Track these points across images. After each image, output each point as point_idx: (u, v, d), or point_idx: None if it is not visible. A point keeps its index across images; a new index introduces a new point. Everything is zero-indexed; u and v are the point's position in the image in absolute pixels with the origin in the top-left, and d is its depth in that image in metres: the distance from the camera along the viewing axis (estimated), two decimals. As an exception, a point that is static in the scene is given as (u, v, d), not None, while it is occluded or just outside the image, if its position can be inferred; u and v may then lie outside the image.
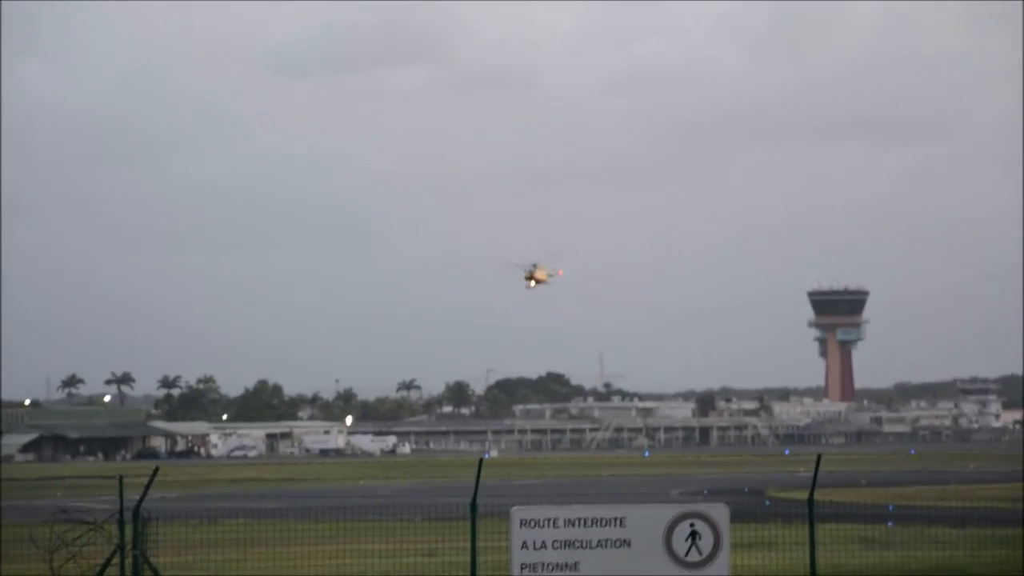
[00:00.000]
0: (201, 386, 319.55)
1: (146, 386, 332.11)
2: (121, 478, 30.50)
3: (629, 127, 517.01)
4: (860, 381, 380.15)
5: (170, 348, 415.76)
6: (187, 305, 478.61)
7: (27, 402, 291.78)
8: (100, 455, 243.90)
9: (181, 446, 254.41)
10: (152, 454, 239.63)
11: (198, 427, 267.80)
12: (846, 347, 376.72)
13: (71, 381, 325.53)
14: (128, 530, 29.10)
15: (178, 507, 64.95)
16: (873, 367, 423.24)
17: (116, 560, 28.93)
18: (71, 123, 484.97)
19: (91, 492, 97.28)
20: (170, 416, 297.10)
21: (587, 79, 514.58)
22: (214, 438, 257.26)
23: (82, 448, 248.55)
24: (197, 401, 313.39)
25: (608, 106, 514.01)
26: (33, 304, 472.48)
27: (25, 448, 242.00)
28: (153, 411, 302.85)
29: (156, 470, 29.84)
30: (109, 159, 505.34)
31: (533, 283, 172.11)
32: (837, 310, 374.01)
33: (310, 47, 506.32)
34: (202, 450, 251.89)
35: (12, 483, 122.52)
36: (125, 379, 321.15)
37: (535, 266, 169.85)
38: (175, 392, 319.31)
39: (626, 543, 27.85)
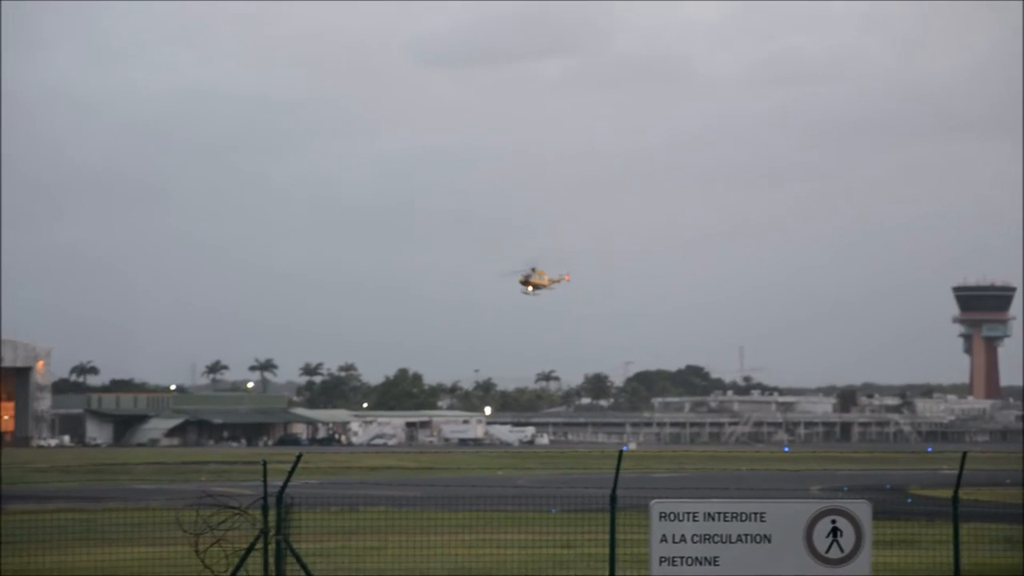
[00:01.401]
0: (342, 374, 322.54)
1: (289, 373, 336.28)
2: (265, 463, 30.88)
3: (776, 120, 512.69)
4: (1006, 379, 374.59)
5: (313, 336, 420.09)
6: (330, 294, 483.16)
7: (173, 388, 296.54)
8: (243, 441, 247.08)
9: (322, 433, 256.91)
10: (294, 441, 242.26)
11: (339, 415, 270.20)
12: (992, 344, 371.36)
13: (215, 367, 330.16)
14: (272, 515, 29.45)
15: (319, 493, 65.61)
16: (1019, 364, 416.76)
17: (260, 545, 29.30)
18: (225, 110, 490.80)
19: (234, 477, 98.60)
20: (311, 403, 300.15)
21: (733, 72, 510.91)
22: (354, 426, 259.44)
23: (225, 433, 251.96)
24: (338, 389, 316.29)
25: (754, 99, 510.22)
26: (180, 291, 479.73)
27: (170, 433, 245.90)
28: (295, 398, 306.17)
29: (299, 456, 30.17)
30: (254, 148, 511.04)
31: (531, 288, 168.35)
32: (983, 306, 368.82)
33: (455, 38, 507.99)
34: (343, 438, 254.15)
35: (158, 466, 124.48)
36: (268, 366, 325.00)
37: (533, 270, 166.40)
38: (317, 379, 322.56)
39: (766, 538, 27.69)
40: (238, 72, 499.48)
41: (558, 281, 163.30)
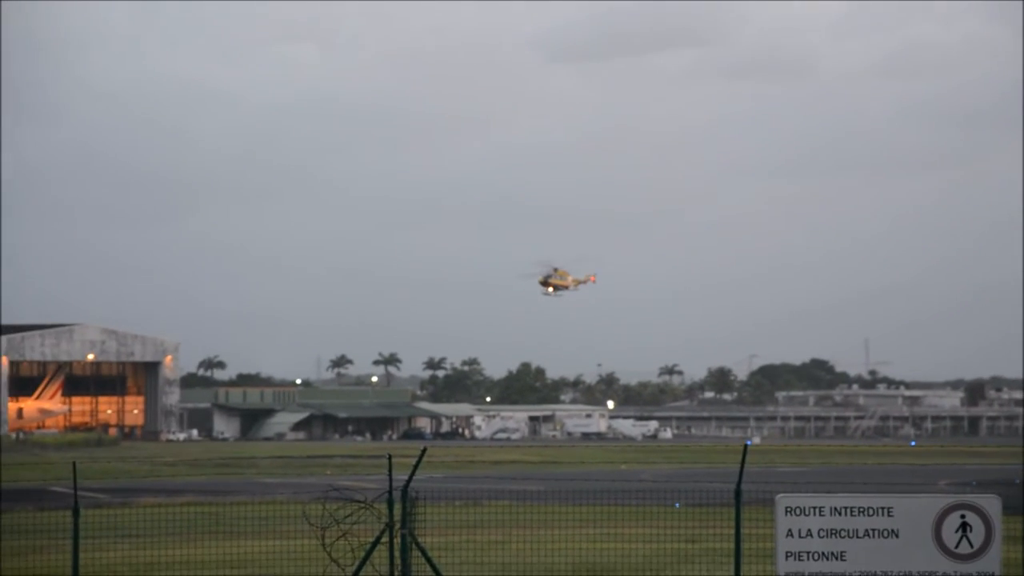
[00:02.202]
0: (466, 368, 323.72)
1: (412, 367, 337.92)
2: (391, 457, 31.07)
3: (903, 112, 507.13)
4: None
5: (436, 330, 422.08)
6: (453, 288, 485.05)
7: (298, 382, 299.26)
8: (367, 435, 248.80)
9: (446, 427, 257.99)
10: (418, 435, 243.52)
11: (462, 409, 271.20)
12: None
13: (340, 361, 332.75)
14: (397, 509, 29.60)
15: (444, 488, 65.89)
16: None
17: (385, 538, 29.46)
18: (340, 108, 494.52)
19: (359, 471, 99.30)
20: (435, 397, 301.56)
21: (860, 63, 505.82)
22: (478, 420, 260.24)
23: (350, 427, 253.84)
24: (461, 383, 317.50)
25: (881, 91, 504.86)
26: (304, 285, 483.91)
27: (296, 427, 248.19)
28: (419, 392, 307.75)
29: (424, 450, 30.29)
30: (376, 143, 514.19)
31: (551, 290, 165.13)
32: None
33: (578, 32, 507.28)
34: (466, 431, 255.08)
35: (284, 460, 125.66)
36: (392, 360, 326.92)
37: (555, 271, 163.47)
38: (440, 374, 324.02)
39: (894, 533, 27.40)
40: (361, 67, 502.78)
41: (583, 282, 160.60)
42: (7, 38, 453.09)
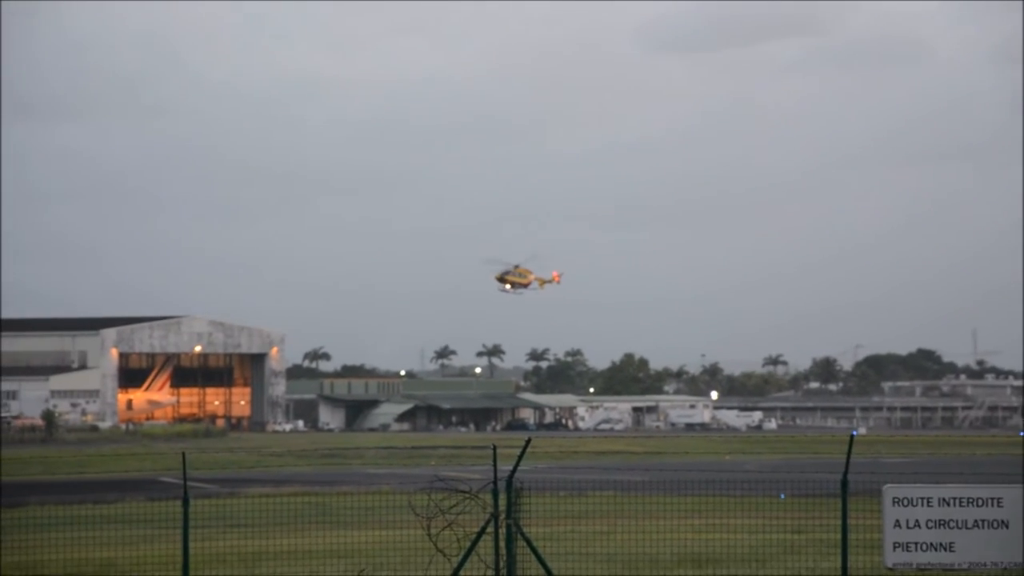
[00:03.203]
0: (569, 359, 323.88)
1: (515, 358, 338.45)
2: (495, 448, 31.16)
3: (1016, 97, 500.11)
4: None
5: (539, 321, 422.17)
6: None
7: (402, 373, 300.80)
8: (471, 425, 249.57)
9: (549, 418, 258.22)
10: (521, 425, 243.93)
11: (566, 399, 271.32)
12: None
13: (444, 353, 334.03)
14: (502, 499, 29.70)
15: (548, 478, 65.99)
16: None
17: (490, 528, 29.56)
18: (455, 98, 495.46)
19: (464, 461, 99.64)
20: (538, 388, 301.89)
21: (973, 49, 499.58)
22: (581, 411, 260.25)
23: (454, 418, 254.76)
24: (565, 374, 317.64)
25: (996, 77, 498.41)
26: (410, 278, 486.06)
27: (401, 418, 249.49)
28: (522, 383, 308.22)
29: (528, 441, 30.37)
30: (486, 136, 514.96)
31: (509, 287, 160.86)
32: None
33: (686, 21, 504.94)
34: (569, 422, 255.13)
35: (389, 451, 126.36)
36: (495, 351, 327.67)
37: (515, 268, 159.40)
38: (543, 365, 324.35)
39: (1003, 524, 27.15)
40: (468, 60, 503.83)
41: (548, 281, 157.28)
42: (122, 37, 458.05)
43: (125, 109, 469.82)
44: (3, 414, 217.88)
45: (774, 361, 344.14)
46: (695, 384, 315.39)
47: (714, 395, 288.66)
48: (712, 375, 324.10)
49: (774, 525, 43.13)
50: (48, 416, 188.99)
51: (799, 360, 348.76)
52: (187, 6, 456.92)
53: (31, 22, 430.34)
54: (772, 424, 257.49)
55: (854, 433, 32.92)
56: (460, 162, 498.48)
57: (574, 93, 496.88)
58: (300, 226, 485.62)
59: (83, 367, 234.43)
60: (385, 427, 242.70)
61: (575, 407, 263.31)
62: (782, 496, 53.56)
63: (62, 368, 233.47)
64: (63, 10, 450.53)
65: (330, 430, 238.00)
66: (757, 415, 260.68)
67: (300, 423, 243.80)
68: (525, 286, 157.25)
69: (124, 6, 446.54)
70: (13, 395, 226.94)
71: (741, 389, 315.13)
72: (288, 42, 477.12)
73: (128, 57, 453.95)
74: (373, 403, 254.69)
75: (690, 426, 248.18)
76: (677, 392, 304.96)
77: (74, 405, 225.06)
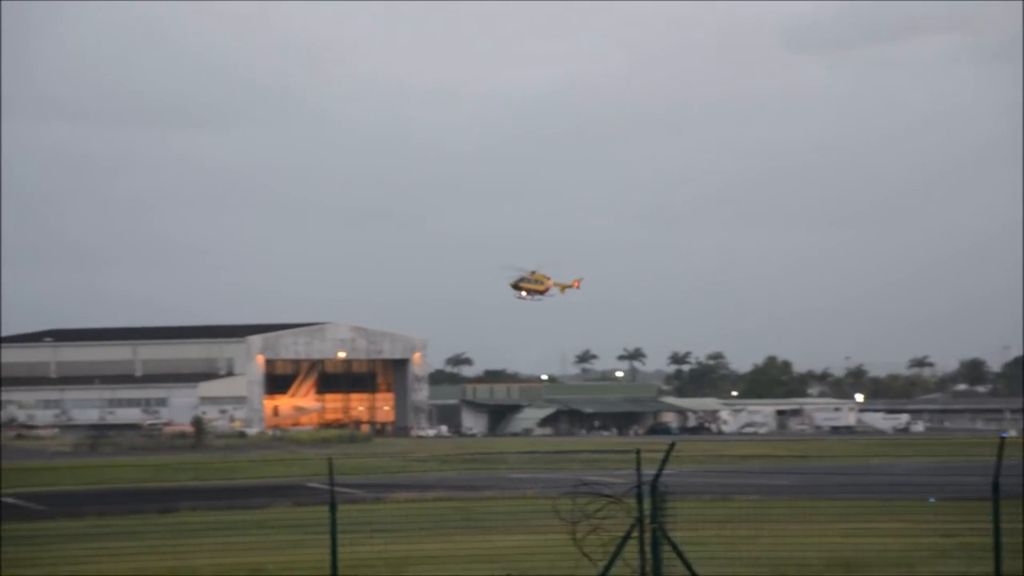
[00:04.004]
0: (711, 362, 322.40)
1: (657, 362, 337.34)
2: (639, 452, 31.10)
3: None
4: None
5: (680, 324, 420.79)
6: (698, 283, 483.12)
7: (544, 377, 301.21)
8: (613, 429, 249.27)
9: (692, 422, 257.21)
10: (664, 429, 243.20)
11: (708, 403, 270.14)
12: None
13: (585, 357, 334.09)
14: (647, 503, 29.63)
15: (692, 482, 65.72)
16: None
17: (635, 533, 29.50)
18: (587, 103, 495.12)
19: (606, 466, 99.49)
20: (680, 392, 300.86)
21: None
22: (724, 414, 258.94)
23: (596, 422, 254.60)
24: (707, 377, 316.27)
25: None
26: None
27: (543, 422, 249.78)
28: (664, 387, 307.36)
29: (672, 445, 30.28)
30: (622, 138, 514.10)
31: (524, 294, 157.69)
32: None
33: (830, 20, 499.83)
34: (712, 426, 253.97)
35: (532, 455, 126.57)
36: (637, 355, 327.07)
37: (532, 273, 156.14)
38: (685, 368, 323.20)
39: None
40: (605, 60, 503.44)
41: (569, 287, 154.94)
42: (260, 43, 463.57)
43: (260, 115, 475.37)
44: (154, 421, 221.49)
45: (920, 363, 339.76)
46: (839, 386, 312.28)
47: (859, 397, 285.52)
48: (857, 377, 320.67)
49: (923, 529, 42.61)
50: (197, 422, 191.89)
51: (945, 361, 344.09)
52: (330, 8, 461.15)
53: (167, 30, 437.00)
54: (919, 427, 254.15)
55: (1003, 435, 32.40)
56: (594, 166, 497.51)
57: (712, 93, 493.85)
58: (439, 232, 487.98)
59: (230, 374, 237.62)
60: (528, 431, 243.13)
61: (718, 410, 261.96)
62: (931, 499, 52.86)
63: (210, 375, 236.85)
64: (204, 15, 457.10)
65: (473, 435, 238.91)
66: (904, 417, 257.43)
67: (443, 428, 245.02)
68: (542, 293, 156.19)
69: (262, 8, 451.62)
70: (163, 402, 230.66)
71: (887, 391, 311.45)
72: (423, 49, 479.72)
73: (264, 63, 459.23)
74: (515, 408, 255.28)
75: (835, 429, 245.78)
76: (821, 395, 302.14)
77: (222, 411, 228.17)
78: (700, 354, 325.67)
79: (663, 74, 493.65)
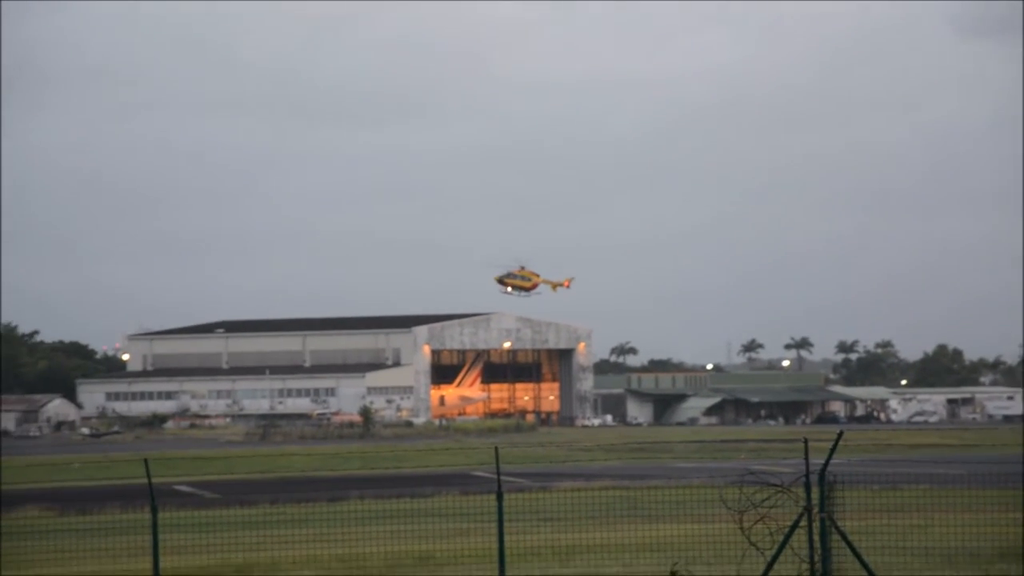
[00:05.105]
0: (879, 351, 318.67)
1: (824, 351, 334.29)
2: (807, 441, 30.91)
3: None
4: None
5: (848, 313, 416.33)
6: (865, 269, 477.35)
7: (709, 367, 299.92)
8: (780, 419, 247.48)
9: (860, 411, 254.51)
10: (831, 418, 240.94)
11: (877, 392, 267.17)
12: None
13: (751, 346, 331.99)
14: (815, 493, 29.44)
15: (860, 471, 65.07)
16: None
17: (803, 522, 29.34)
18: (752, 92, 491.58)
19: (773, 455, 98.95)
20: (848, 381, 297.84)
21: None
22: (893, 403, 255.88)
23: (762, 412, 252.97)
24: (875, 366, 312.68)
25: None
26: (715, 272, 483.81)
27: (708, 411, 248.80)
28: (831, 376, 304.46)
29: (840, 434, 30.04)
30: (788, 124, 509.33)
31: (510, 290, 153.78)
32: None
33: (994, 5, 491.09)
34: (881, 415, 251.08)
35: (698, 445, 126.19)
36: (803, 344, 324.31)
37: (521, 269, 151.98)
38: (853, 357, 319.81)
39: None
40: (769, 49, 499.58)
41: (560, 284, 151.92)
42: (432, 39, 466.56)
43: (431, 110, 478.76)
44: (323, 410, 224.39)
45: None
46: (1012, 375, 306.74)
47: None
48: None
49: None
50: (365, 412, 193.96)
51: None
52: (495, 7, 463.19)
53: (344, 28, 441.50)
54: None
55: None
56: (763, 151, 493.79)
57: (883, 80, 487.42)
58: (601, 222, 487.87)
59: (397, 364, 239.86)
60: (693, 421, 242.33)
61: (886, 399, 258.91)
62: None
63: (377, 365, 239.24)
64: (377, 13, 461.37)
65: (638, 424, 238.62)
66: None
67: (608, 418, 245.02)
68: (528, 290, 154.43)
69: (432, 8, 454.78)
70: (331, 392, 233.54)
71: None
72: (592, 41, 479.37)
73: (437, 60, 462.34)
74: (680, 397, 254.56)
75: (1008, 418, 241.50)
76: (994, 383, 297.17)
77: (389, 401, 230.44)
78: (868, 342, 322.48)
79: (830, 59, 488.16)
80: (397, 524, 42.68)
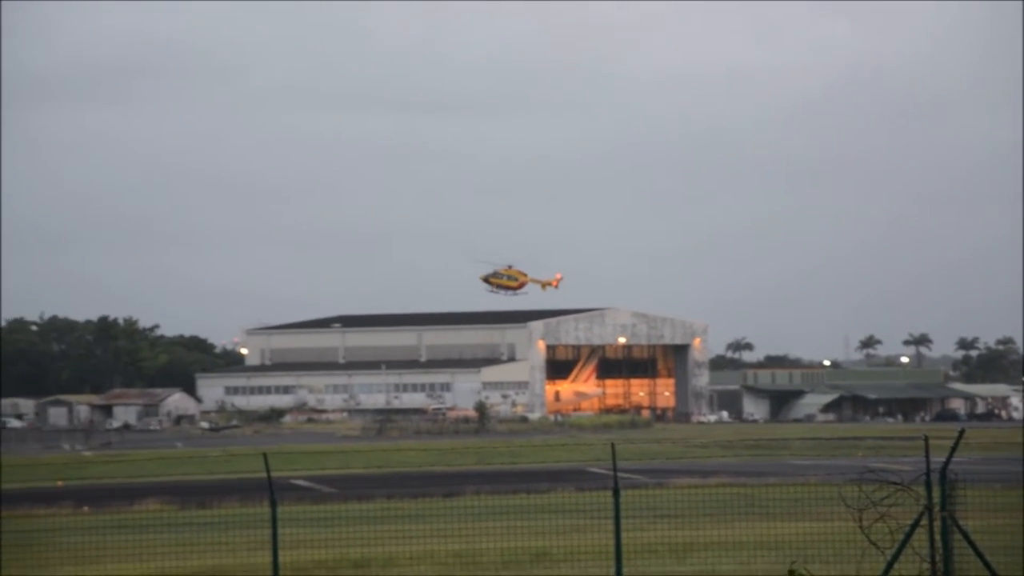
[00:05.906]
0: (1001, 347, 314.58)
1: (944, 347, 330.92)
2: (927, 439, 30.54)
3: None
4: None
5: (969, 309, 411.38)
6: (987, 266, 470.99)
7: (826, 363, 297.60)
8: (898, 416, 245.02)
9: (980, 408, 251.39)
10: (951, 416, 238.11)
11: (998, 389, 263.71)
12: None
13: (869, 342, 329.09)
14: (936, 491, 29.08)
15: (984, 470, 64.25)
16: None
17: (924, 521, 28.99)
18: (875, 85, 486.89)
19: (892, 453, 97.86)
20: (968, 378, 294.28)
21: None
22: (1015, 400, 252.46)
23: (880, 409, 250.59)
24: (997, 363, 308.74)
25: None
26: (832, 267, 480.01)
27: (825, 408, 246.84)
28: (951, 372, 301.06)
29: (962, 432, 29.64)
30: (913, 117, 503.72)
31: (495, 289, 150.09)
32: None
33: None
34: (1003, 412, 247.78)
35: (815, 442, 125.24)
36: (923, 340, 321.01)
37: (508, 268, 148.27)
38: (973, 353, 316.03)
39: None
40: (892, 40, 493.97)
41: (548, 283, 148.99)
42: (546, 34, 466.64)
43: (547, 104, 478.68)
44: (438, 405, 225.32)
45: None
46: None
47: None
48: None
49: None
50: (480, 407, 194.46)
51: None
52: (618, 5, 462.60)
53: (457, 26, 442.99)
54: None
55: None
56: (890, 147, 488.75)
57: (1001, 66, 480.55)
58: (720, 217, 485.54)
59: (512, 359, 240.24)
60: (810, 418, 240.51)
61: (1008, 397, 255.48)
62: None
63: (492, 360, 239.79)
64: (492, 11, 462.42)
65: (754, 421, 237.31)
66: None
67: (724, 414, 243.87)
68: (515, 289, 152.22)
69: (547, 7, 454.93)
70: (447, 387, 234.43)
71: None
72: (713, 33, 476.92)
73: (554, 55, 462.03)
74: (797, 393, 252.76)
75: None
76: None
77: (504, 396, 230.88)
78: (989, 339, 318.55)
79: (960, 48, 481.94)
80: (512, 520, 42.68)
